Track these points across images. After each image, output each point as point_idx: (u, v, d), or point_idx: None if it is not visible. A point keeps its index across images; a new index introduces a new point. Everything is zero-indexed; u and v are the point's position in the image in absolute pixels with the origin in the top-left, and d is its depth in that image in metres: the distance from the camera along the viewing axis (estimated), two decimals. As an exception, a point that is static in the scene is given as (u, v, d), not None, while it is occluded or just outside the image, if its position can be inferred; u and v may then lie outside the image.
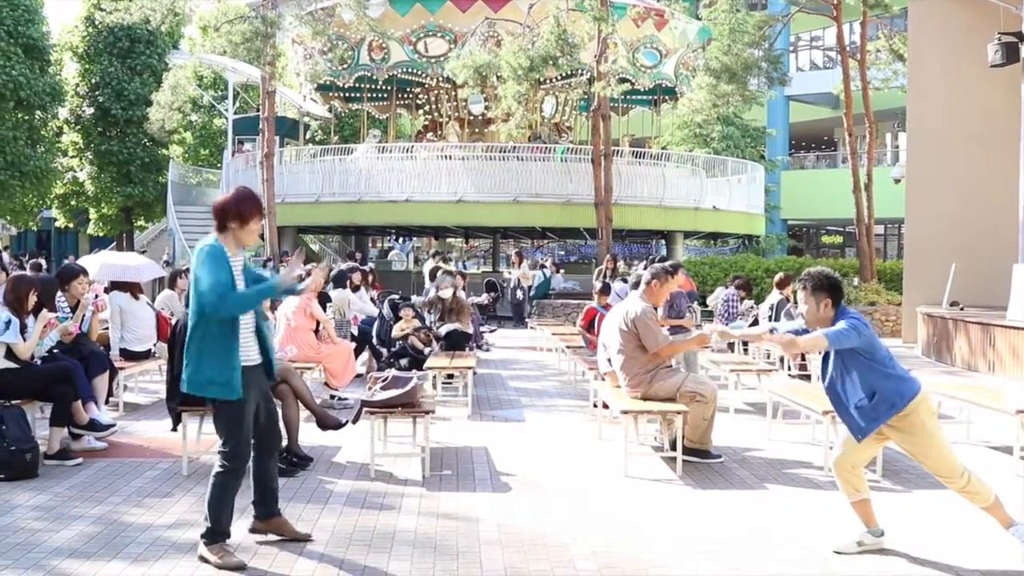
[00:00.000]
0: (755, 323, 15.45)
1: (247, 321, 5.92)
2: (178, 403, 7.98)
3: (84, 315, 10.14)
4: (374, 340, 13.66)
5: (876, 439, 6.14)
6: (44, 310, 8.51)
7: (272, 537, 6.24)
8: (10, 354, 8.29)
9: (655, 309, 8.91)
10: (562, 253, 45.40)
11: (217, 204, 5.94)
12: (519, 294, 25.60)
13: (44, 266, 21.82)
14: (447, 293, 14.79)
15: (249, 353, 5.92)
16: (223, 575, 5.61)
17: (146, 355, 11.63)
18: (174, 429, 8.14)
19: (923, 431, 5.96)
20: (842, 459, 6.16)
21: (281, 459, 8.12)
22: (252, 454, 6.04)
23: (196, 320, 5.79)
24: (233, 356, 5.76)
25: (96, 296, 13.98)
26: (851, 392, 5.97)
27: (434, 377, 11.61)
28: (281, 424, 8.39)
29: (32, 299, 8.45)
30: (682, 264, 8.94)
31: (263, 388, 6.10)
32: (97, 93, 41.81)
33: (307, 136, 42.90)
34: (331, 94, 35.47)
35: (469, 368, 11.73)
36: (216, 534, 5.83)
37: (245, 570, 5.70)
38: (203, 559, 5.78)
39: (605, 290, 12.86)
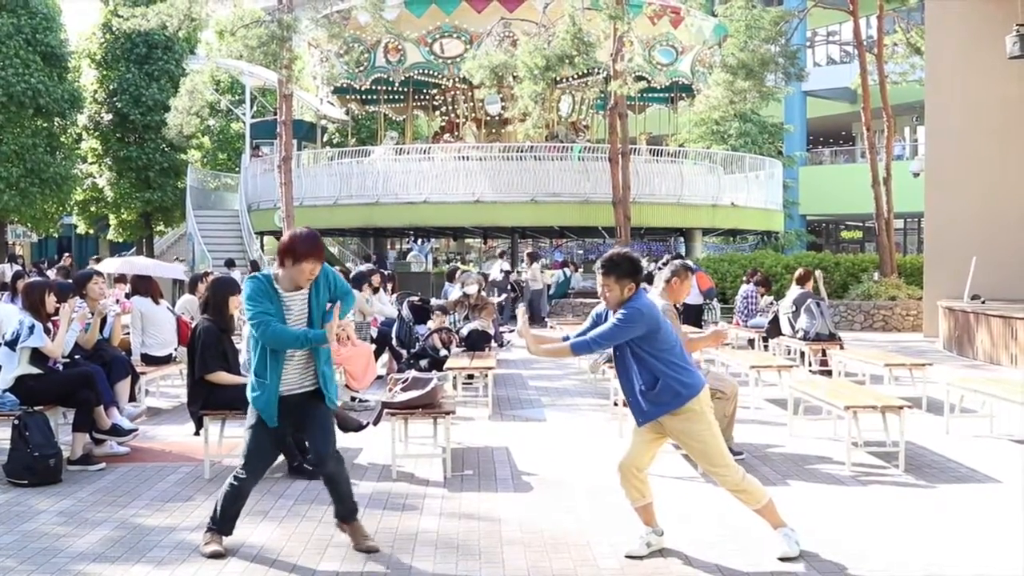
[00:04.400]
0: (775, 319, 15.45)
1: (297, 353, 6.07)
2: (199, 407, 8.01)
3: (107, 319, 10.18)
4: (394, 342, 13.67)
5: (655, 438, 6.09)
6: (65, 305, 8.54)
7: (299, 538, 6.29)
8: (34, 359, 8.33)
9: (674, 307, 8.89)
10: (581, 252, 45.37)
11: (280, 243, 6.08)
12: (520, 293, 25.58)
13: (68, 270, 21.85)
14: (473, 289, 14.88)
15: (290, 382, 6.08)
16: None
17: (167, 360, 11.68)
18: (196, 433, 8.17)
19: (704, 423, 5.97)
20: (626, 461, 6.07)
21: (306, 460, 8.14)
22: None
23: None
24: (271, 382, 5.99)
25: (118, 300, 14.05)
26: (636, 377, 5.93)
27: (454, 378, 11.63)
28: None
29: (50, 301, 8.48)
30: (691, 263, 8.98)
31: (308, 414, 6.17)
32: (115, 99, 41.93)
33: (324, 139, 42.96)
34: (348, 96, 35.58)
35: (489, 368, 11.73)
36: (213, 529, 6.14)
37: (223, 557, 5.94)
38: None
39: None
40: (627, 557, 5.95)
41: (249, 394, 6.03)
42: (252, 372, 6.02)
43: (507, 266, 26.15)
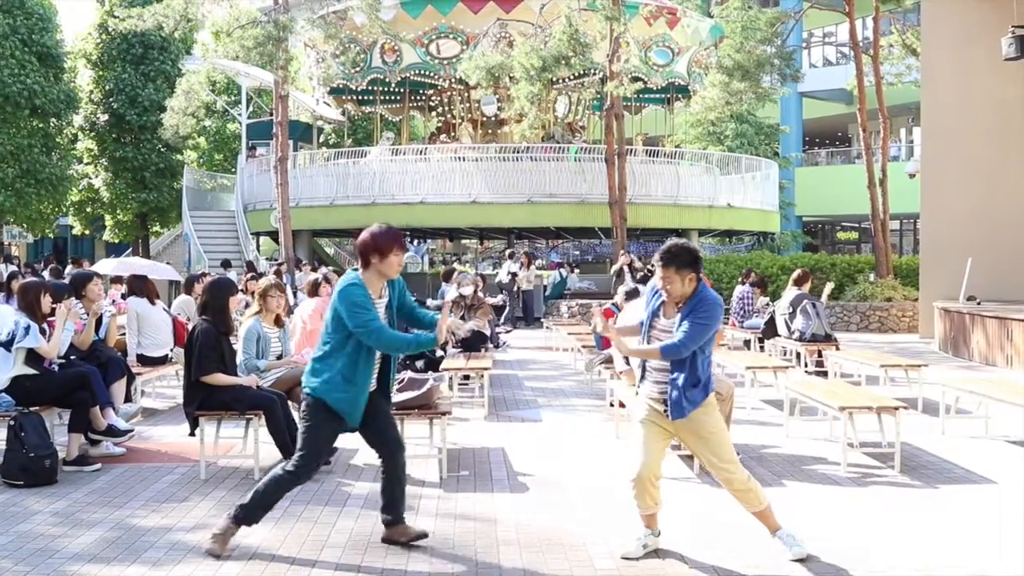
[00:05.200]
0: (771, 320, 15.45)
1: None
2: (195, 408, 8.01)
3: (102, 319, 10.18)
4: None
5: (664, 440, 6.08)
6: (61, 306, 8.55)
7: (295, 538, 6.29)
8: (29, 360, 8.32)
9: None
10: (577, 253, 45.40)
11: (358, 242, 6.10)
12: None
13: (60, 271, 21.84)
14: (468, 290, 14.90)
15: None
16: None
17: (163, 360, 11.67)
18: (192, 434, 8.16)
19: (717, 415, 6.00)
20: (646, 472, 5.98)
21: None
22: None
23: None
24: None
25: (113, 301, 14.05)
26: (687, 373, 5.89)
27: (450, 378, 11.62)
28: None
29: (46, 302, 8.47)
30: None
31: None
32: (111, 100, 41.90)
33: (320, 139, 42.95)
34: (344, 97, 35.56)
35: (485, 369, 11.73)
36: (244, 519, 6.11)
37: (218, 558, 5.92)
38: (222, 523, 6.13)
39: (633, 295, 12.52)
40: (623, 558, 5.95)
41: (329, 393, 5.97)
42: (337, 372, 5.96)
43: (516, 268, 26.15)
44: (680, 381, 5.89)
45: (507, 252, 29.72)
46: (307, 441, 6.05)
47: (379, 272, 5.99)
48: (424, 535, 6.23)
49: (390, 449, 6.21)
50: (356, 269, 6.10)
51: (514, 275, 25.59)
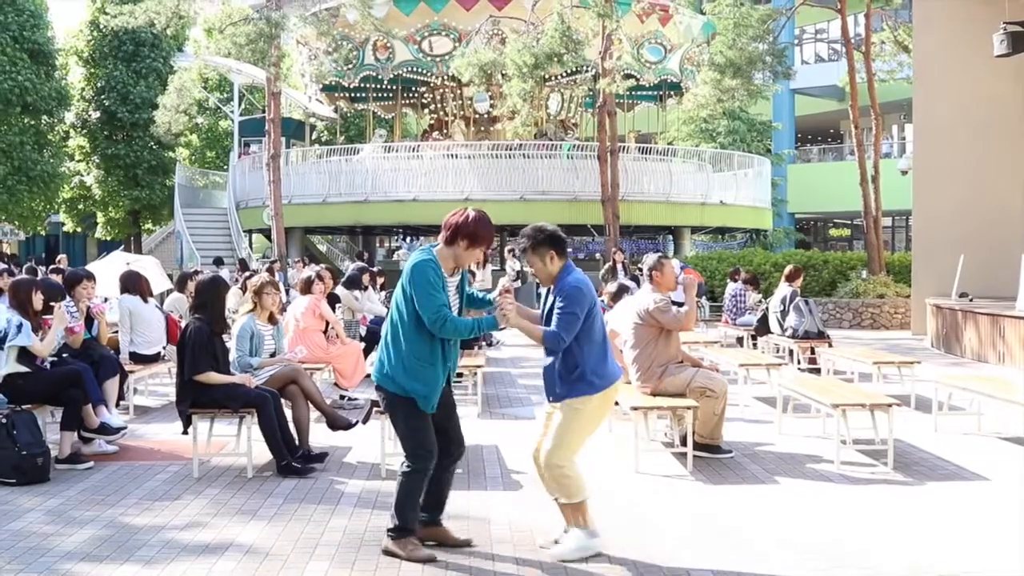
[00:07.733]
0: (764, 317, 15.47)
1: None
2: (188, 406, 7.99)
3: (92, 319, 10.16)
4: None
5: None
6: (57, 305, 8.53)
7: (288, 536, 6.26)
8: (21, 358, 8.30)
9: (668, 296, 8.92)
10: (570, 250, 45.53)
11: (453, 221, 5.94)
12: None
13: (36, 270, 21.67)
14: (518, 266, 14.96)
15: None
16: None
17: (155, 358, 11.64)
18: (184, 432, 8.15)
19: (589, 421, 5.99)
20: (537, 448, 6.13)
21: (295, 459, 8.14)
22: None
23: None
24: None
25: (106, 299, 14.00)
26: (561, 359, 5.87)
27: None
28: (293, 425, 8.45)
29: (37, 299, 8.44)
30: (670, 257, 9.08)
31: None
32: (103, 97, 41.81)
33: (313, 137, 42.89)
34: (336, 94, 35.54)
35: (478, 367, 11.72)
36: (402, 530, 5.93)
37: (435, 562, 5.81)
38: (388, 552, 5.92)
39: (620, 294, 12.45)
40: (540, 546, 6.03)
41: (402, 386, 5.88)
42: (412, 357, 5.85)
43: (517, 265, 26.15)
44: (554, 365, 5.89)
45: (507, 249, 29.68)
46: (406, 435, 5.98)
47: (456, 256, 5.89)
48: (468, 544, 6.12)
49: (454, 447, 6.15)
50: (434, 245, 5.99)
51: (519, 272, 25.58)
